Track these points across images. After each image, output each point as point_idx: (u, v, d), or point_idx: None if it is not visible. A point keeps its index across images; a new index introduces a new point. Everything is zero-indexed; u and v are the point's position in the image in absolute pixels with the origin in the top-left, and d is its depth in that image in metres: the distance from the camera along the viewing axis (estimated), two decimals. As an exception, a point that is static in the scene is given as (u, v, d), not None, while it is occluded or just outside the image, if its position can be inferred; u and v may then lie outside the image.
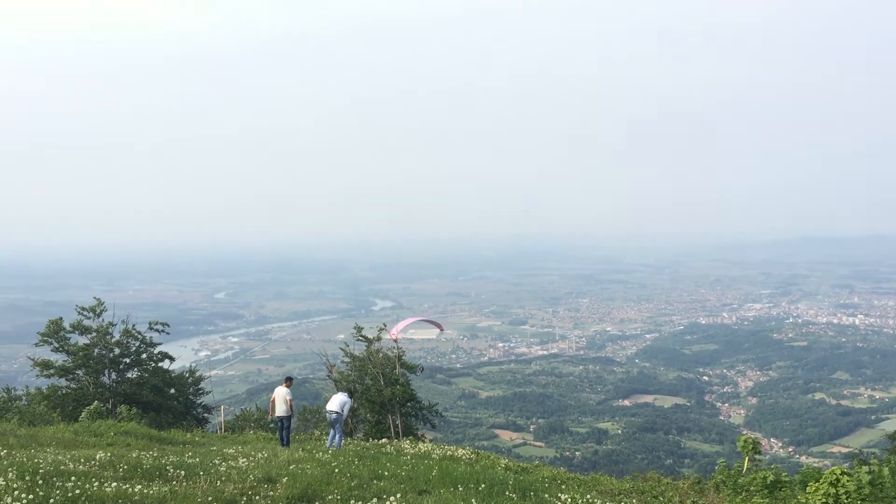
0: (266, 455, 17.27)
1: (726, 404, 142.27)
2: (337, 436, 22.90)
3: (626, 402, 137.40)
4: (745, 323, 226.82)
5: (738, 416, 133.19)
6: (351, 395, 24.69)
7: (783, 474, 17.64)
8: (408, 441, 28.68)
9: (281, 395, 22.91)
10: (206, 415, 44.07)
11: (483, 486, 14.19)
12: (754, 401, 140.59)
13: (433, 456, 22.09)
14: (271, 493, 12.44)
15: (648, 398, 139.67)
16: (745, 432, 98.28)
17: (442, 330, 40.42)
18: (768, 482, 17.17)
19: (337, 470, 14.82)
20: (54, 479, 11.41)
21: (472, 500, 12.91)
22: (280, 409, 22.86)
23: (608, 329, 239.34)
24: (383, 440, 29.71)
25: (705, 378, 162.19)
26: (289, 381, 23.56)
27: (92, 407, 29.71)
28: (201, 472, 13.49)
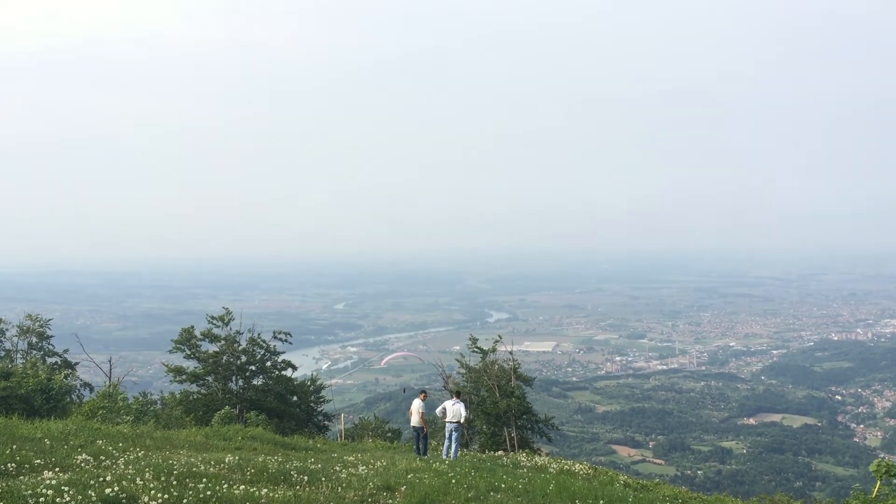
0: (384, 463, 17.54)
1: (861, 425, 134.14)
2: (454, 446, 23.00)
3: (752, 421, 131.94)
4: (883, 340, 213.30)
5: (875, 439, 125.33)
6: (459, 396, 24.55)
7: (924, 501, 16.42)
8: (524, 454, 28.52)
9: (415, 407, 23.74)
10: (326, 422, 45.41)
11: (601, 502, 13.95)
12: (893, 422, 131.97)
13: (550, 470, 21.86)
14: (390, 501, 12.63)
15: (775, 417, 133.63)
16: (882, 455, 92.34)
17: (423, 361, 41.10)
18: (907, 508, 16.02)
19: (454, 481, 14.85)
20: (187, 480, 11.99)
21: (591, 516, 12.70)
22: (413, 420, 23.70)
23: (731, 344, 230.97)
24: (499, 452, 29.66)
25: (838, 397, 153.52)
26: (423, 394, 24.23)
27: (223, 412, 31.20)
28: (323, 478, 13.84)
